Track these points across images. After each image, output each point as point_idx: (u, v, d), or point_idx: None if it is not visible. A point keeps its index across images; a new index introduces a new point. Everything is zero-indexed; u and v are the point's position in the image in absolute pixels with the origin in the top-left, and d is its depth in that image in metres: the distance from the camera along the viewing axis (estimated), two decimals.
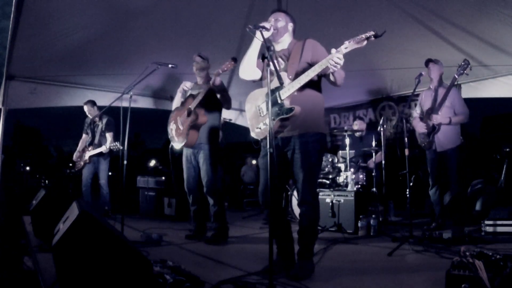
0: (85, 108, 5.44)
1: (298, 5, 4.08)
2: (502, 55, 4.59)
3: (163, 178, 6.01)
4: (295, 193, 4.84)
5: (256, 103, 2.68)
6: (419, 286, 2.30)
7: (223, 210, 3.83)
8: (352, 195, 4.29)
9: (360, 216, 4.19)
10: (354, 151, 5.16)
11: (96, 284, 1.72)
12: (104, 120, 5.40)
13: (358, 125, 5.60)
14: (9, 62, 4.51)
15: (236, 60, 3.49)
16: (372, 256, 3.16)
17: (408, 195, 3.85)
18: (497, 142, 6.21)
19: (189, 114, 3.64)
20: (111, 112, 5.52)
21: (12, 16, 3.65)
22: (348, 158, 4.72)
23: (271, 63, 2.32)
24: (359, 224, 4.14)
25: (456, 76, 3.85)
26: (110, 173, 6.31)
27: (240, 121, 7.42)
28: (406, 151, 3.71)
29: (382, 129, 4.94)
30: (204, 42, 4.89)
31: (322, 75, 2.56)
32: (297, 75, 2.46)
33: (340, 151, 5.51)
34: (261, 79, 2.78)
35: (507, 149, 5.27)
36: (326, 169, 4.87)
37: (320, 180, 4.81)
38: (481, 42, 4.38)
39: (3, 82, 4.82)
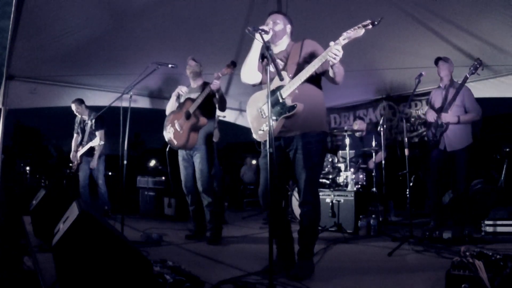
0: (73, 106, 5.33)
1: (298, 6, 4.08)
2: (502, 55, 4.59)
3: (163, 178, 6.01)
4: (295, 193, 4.85)
5: (257, 105, 2.68)
6: (419, 286, 2.30)
7: (217, 210, 3.83)
8: (352, 195, 4.29)
9: (360, 216, 4.19)
10: (354, 151, 5.16)
11: (96, 284, 1.72)
12: (93, 119, 5.33)
13: (358, 124, 5.60)
14: (9, 62, 4.51)
15: (236, 64, 3.51)
16: (372, 256, 3.16)
17: (408, 195, 3.85)
18: (497, 142, 6.22)
19: (188, 117, 3.68)
20: (111, 112, 5.52)
21: (12, 16, 3.65)
22: (348, 158, 4.72)
23: (271, 63, 2.32)
24: (359, 224, 4.14)
25: (468, 76, 3.80)
26: (110, 173, 6.32)
27: (240, 121, 7.43)
28: (406, 151, 3.70)
29: (382, 129, 4.94)
30: (204, 42, 4.89)
31: (322, 74, 2.56)
32: (297, 73, 2.46)
33: (340, 151, 5.51)
34: (261, 83, 2.78)
35: (507, 149, 5.26)
36: (326, 169, 4.87)
37: (320, 180, 4.80)
38: (481, 42, 4.38)
39: (3, 82, 4.82)
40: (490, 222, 3.64)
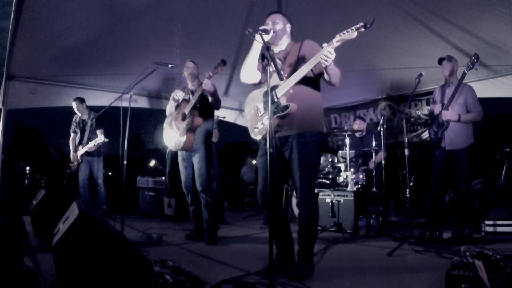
0: (74, 105, 5.33)
1: (298, 6, 4.09)
2: (502, 55, 4.59)
3: (163, 178, 6.01)
4: (295, 193, 4.84)
5: (254, 104, 2.70)
6: (419, 286, 2.30)
7: (215, 210, 3.84)
8: (352, 195, 4.29)
9: (360, 216, 4.19)
10: (354, 151, 5.16)
11: (96, 284, 1.72)
12: (94, 119, 5.36)
13: (358, 124, 5.60)
14: (9, 62, 4.51)
15: (225, 62, 3.52)
16: (372, 256, 3.16)
17: (408, 195, 3.85)
18: (497, 142, 6.22)
19: (184, 118, 3.71)
20: (111, 112, 5.52)
21: (12, 16, 3.65)
22: (348, 158, 4.72)
23: (271, 63, 2.33)
24: (359, 224, 4.14)
25: (466, 71, 3.78)
26: (110, 173, 6.32)
27: (240, 121, 7.43)
28: (406, 151, 3.70)
29: (382, 129, 4.94)
30: (204, 42, 4.90)
31: (319, 75, 2.57)
32: (293, 73, 2.48)
33: (340, 151, 5.52)
34: (260, 82, 2.79)
35: (507, 149, 5.26)
36: (326, 169, 4.87)
37: (320, 180, 4.81)
38: (481, 42, 4.37)
39: (3, 82, 4.82)
40: (490, 222, 3.63)
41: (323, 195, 4.49)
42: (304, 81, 2.49)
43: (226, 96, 6.60)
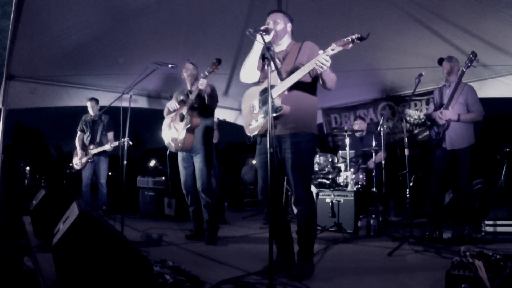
0: (90, 104, 5.43)
1: (298, 5, 4.08)
2: (502, 55, 4.59)
3: (163, 178, 6.01)
4: None
5: (250, 101, 2.73)
6: (419, 286, 2.30)
7: (215, 211, 3.85)
8: (352, 195, 4.29)
9: (360, 216, 4.19)
10: (354, 151, 5.16)
11: (96, 284, 1.72)
12: (105, 120, 5.46)
13: (358, 124, 5.60)
14: (9, 62, 4.51)
15: (220, 61, 3.52)
16: (372, 256, 3.16)
17: (408, 195, 3.84)
18: (497, 142, 6.21)
19: (182, 119, 3.72)
20: (111, 112, 5.53)
21: (12, 16, 3.64)
22: (348, 158, 4.72)
23: (271, 63, 2.33)
24: (359, 224, 4.14)
25: (464, 70, 3.77)
26: (110, 173, 6.31)
27: (240, 121, 7.42)
28: (406, 151, 3.69)
29: (382, 129, 4.94)
30: (204, 42, 4.90)
31: (316, 78, 2.57)
32: (289, 75, 2.49)
33: (340, 151, 5.52)
34: (259, 81, 2.80)
35: (507, 149, 5.26)
36: (326, 169, 4.86)
37: (320, 180, 4.81)
38: (481, 42, 4.37)
39: (3, 82, 4.82)
40: (490, 222, 3.64)
41: (323, 195, 4.49)
42: (300, 83, 2.51)
43: (226, 96, 6.59)
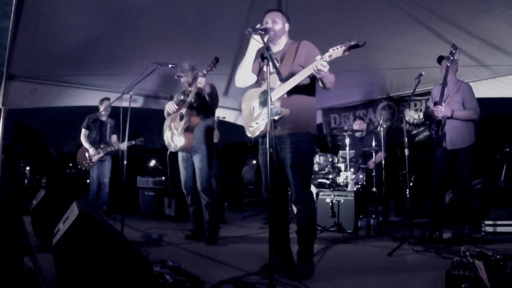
0: (106, 103, 5.41)
1: (298, 5, 4.08)
2: (502, 55, 4.58)
3: (163, 178, 6.01)
4: None
5: (250, 102, 2.74)
6: (419, 286, 2.30)
7: (215, 210, 3.85)
8: (352, 195, 4.29)
9: (360, 216, 4.19)
10: (354, 151, 5.16)
11: (96, 284, 1.72)
12: (112, 122, 5.51)
13: (358, 124, 5.60)
14: (9, 62, 4.51)
15: (218, 59, 3.53)
16: (372, 256, 3.17)
17: (408, 195, 3.84)
18: (497, 142, 6.21)
19: (181, 119, 3.72)
20: (111, 112, 5.54)
21: (12, 16, 3.64)
22: (348, 158, 4.72)
23: (270, 63, 2.34)
24: (359, 224, 4.14)
25: (448, 64, 3.77)
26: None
27: (240, 121, 7.42)
28: (406, 151, 3.69)
29: (382, 129, 4.94)
30: (204, 42, 4.90)
31: (315, 78, 2.58)
32: (288, 77, 2.50)
33: (340, 151, 5.52)
34: (256, 82, 2.81)
35: (507, 149, 5.26)
36: (326, 169, 4.86)
37: (320, 180, 4.81)
38: (481, 42, 4.37)
39: (3, 82, 4.82)
40: (490, 222, 3.63)
41: (323, 195, 4.49)
42: (299, 85, 2.51)
43: (226, 96, 6.59)
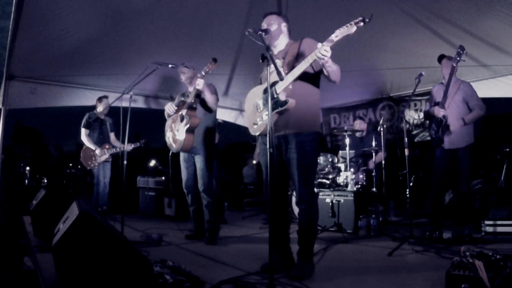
0: (105, 102, 5.30)
1: (298, 5, 4.09)
2: (502, 55, 4.58)
3: (163, 178, 6.01)
4: (294, 192, 4.84)
5: (254, 100, 2.73)
6: (419, 286, 2.30)
7: (216, 210, 3.86)
8: (352, 195, 4.29)
9: (360, 216, 4.19)
10: (354, 151, 5.16)
11: (96, 284, 1.72)
12: (110, 120, 5.45)
13: (358, 124, 5.60)
14: (9, 62, 4.50)
15: (216, 60, 3.52)
16: (372, 256, 3.16)
17: (408, 195, 3.84)
18: (497, 142, 6.21)
19: (182, 120, 3.74)
20: (111, 112, 5.53)
21: (12, 16, 3.64)
22: (348, 158, 4.72)
23: (271, 62, 2.34)
24: (359, 224, 4.14)
25: (454, 65, 3.77)
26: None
27: (240, 121, 7.43)
28: (406, 151, 3.69)
29: (382, 129, 4.94)
30: (204, 42, 4.90)
31: (319, 72, 2.57)
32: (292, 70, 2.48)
33: (340, 151, 5.52)
34: (260, 80, 2.82)
35: (507, 149, 5.26)
36: (326, 169, 4.87)
37: (320, 180, 4.81)
38: (481, 42, 4.37)
39: (3, 82, 4.82)
40: (490, 222, 3.63)
41: (323, 195, 4.49)
42: (304, 77, 2.51)
43: (226, 96, 6.59)
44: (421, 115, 6.19)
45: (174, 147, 3.82)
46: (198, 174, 3.79)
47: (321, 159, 4.75)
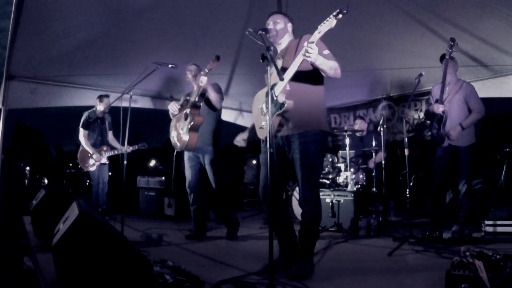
0: (106, 101, 5.17)
1: (298, 5, 4.09)
2: (502, 55, 4.58)
3: (163, 178, 6.01)
4: (295, 193, 4.84)
5: (259, 104, 2.73)
6: (419, 286, 2.30)
7: (230, 207, 4.07)
8: (352, 195, 4.29)
9: (360, 216, 4.19)
10: (354, 151, 5.15)
11: (96, 284, 1.72)
12: (109, 117, 5.37)
13: (359, 124, 5.60)
14: (9, 62, 4.50)
15: (219, 58, 3.51)
16: (372, 256, 3.16)
17: (408, 195, 3.84)
18: (497, 142, 6.21)
19: (186, 118, 3.75)
20: (111, 112, 5.53)
21: (12, 16, 3.64)
22: (348, 158, 4.72)
23: (271, 63, 2.34)
24: (359, 224, 4.13)
25: (447, 57, 3.76)
26: (110, 173, 6.31)
27: (240, 121, 7.42)
28: (406, 151, 3.69)
29: (382, 129, 4.94)
30: (204, 42, 4.90)
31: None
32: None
33: (340, 151, 5.51)
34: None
35: (507, 149, 5.26)
36: (326, 169, 4.87)
37: (320, 180, 4.80)
38: (481, 42, 4.37)
39: (3, 82, 4.81)
40: (490, 222, 3.63)
41: (323, 195, 4.49)
42: (302, 76, 2.49)
43: (226, 96, 6.57)
44: (421, 115, 6.19)
45: (178, 146, 3.83)
46: (210, 177, 3.86)
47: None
